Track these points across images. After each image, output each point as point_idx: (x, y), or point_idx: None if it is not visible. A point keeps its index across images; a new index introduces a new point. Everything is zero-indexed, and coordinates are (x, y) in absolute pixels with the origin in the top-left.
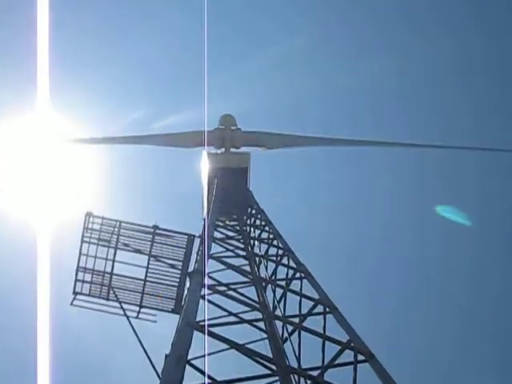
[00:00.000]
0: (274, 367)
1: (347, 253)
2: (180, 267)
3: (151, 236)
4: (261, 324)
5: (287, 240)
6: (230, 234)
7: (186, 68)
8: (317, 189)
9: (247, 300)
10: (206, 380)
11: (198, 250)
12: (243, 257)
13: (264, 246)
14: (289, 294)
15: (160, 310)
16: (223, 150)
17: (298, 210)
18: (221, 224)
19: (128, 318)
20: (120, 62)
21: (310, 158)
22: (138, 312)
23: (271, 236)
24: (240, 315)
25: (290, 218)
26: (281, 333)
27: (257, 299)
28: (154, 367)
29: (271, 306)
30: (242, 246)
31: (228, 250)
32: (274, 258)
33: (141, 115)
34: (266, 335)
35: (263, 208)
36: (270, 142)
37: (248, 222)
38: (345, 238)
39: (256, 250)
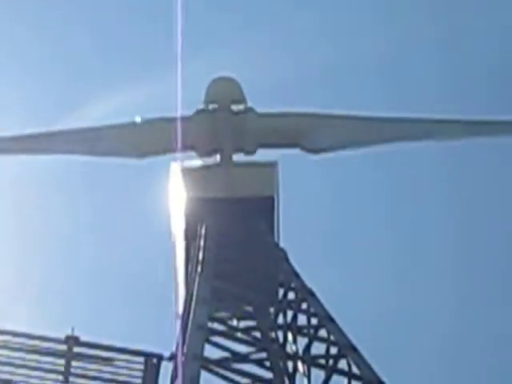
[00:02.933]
0: None
1: None
2: None
3: (64, 360)
4: None
5: None
6: (242, 348)
7: None
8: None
9: None
10: None
11: None
12: None
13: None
14: None
15: None
16: (218, 158)
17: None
18: (219, 328)
19: None
20: None
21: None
22: None
23: (334, 349)
24: None
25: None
26: None
27: None
28: None
29: None
30: (271, 375)
31: None
32: None
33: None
34: None
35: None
36: (340, 133)
37: (280, 319)
38: None
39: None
